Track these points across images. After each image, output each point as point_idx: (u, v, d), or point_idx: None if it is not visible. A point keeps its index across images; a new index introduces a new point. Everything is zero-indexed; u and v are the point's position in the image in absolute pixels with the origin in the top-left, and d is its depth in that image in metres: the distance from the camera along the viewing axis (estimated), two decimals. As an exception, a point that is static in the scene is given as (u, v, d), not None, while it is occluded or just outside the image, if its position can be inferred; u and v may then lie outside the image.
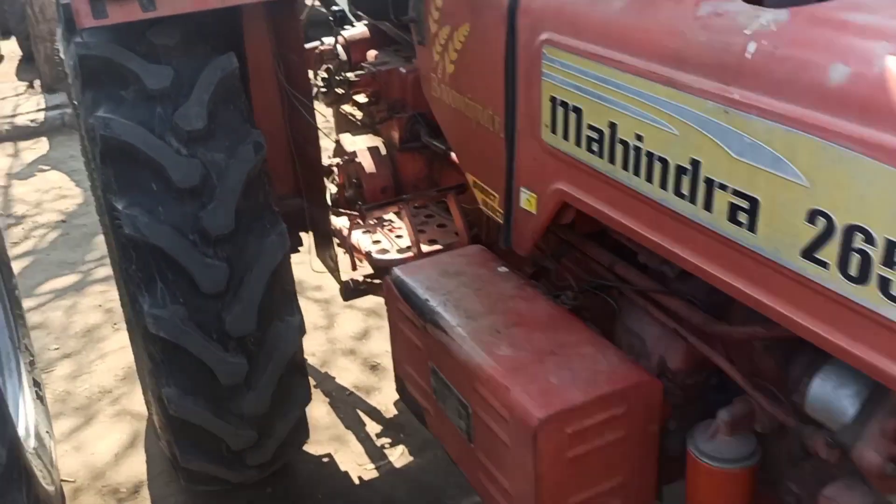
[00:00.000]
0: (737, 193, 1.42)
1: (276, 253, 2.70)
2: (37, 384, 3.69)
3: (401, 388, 2.53)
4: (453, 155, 2.87)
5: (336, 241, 3.29)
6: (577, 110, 1.78)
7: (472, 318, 2.08)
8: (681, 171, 1.53)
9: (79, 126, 3.75)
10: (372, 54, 3.46)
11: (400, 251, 3.08)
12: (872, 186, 1.18)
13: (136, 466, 3.77)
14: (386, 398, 4.10)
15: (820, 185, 1.27)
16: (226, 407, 2.78)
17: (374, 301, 4.48)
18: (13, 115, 9.25)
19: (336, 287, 3.43)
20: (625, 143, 1.67)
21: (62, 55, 3.05)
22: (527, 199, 2.08)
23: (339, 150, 3.48)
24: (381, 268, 3.03)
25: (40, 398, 3.66)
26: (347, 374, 4.31)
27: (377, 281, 3.21)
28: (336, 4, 3.40)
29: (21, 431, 3.29)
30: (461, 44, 2.28)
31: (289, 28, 2.92)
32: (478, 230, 3.04)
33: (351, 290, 3.34)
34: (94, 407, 4.23)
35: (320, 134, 3.11)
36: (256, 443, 2.93)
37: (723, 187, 1.45)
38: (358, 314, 4.83)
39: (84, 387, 4.40)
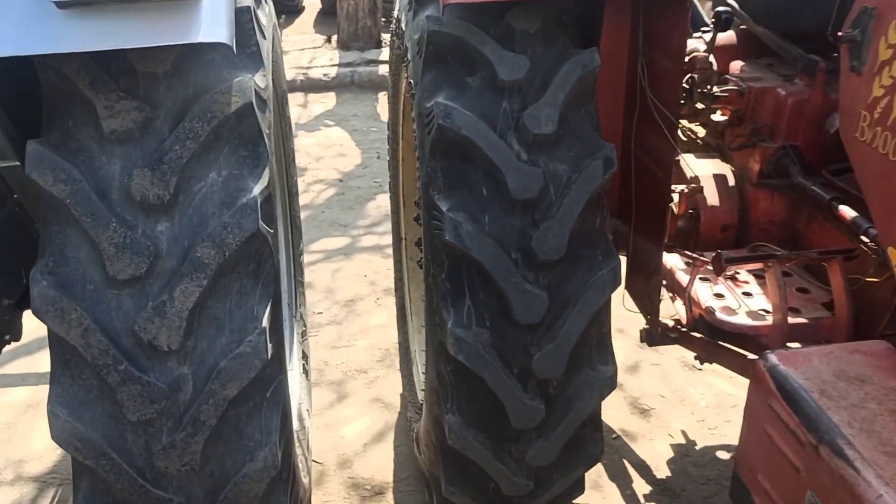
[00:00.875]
0: None
1: (604, 290, 2.29)
2: (304, 356, 3.58)
3: (741, 495, 2.03)
4: (843, 210, 2.30)
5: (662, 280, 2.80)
6: None
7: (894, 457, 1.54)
8: None
9: (396, 102, 3.52)
10: (737, 66, 2.93)
11: (751, 315, 2.55)
12: None
13: (383, 463, 3.57)
14: (657, 453, 3.61)
15: None
16: (509, 450, 2.44)
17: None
18: (308, 68, 9.61)
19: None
20: None
21: (402, 25, 2.81)
22: None
23: (678, 173, 2.99)
24: (725, 331, 2.53)
25: (306, 372, 3.55)
26: (614, 413, 3.86)
27: (696, 334, 2.70)
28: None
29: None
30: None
31: (671, 27, 2.45)
32: (858, 313, 2.41)
33: (657, 337, 2.87)
34: (349, 385, 4.10)
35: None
36: (529, 492, 2.57)
37: None
38: (630, 342, 4.34)
39: (341, 360, 4.30)
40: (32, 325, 2.31)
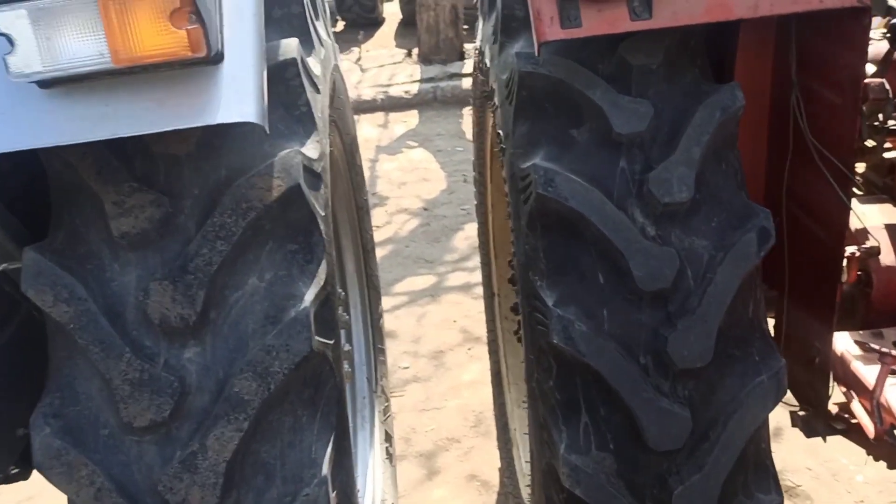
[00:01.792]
0: None
1: (765, 403, 1.75)
2: (388, 438, 3.12)
3: None
4: None
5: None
6: None
7: None
8: None
9: (480, 159, 2.97)
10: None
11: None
12: None
13: (482, 559, 3.10)
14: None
15: None
16: None
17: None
18: (388, 85, 9.23)
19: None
20: None
21: (486, 60, 2.32)
22: None
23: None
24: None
25: (390, 457, 3.09)
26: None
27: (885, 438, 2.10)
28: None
29: (366, 504, 2.73)
30: None
31: (840, 51, 1.87)
32: None
33: (819, 428, 2.29)
34: (440, 458, 3.64)
35: None
36: None
37: None
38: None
39: (431, 427, 3.84)
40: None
